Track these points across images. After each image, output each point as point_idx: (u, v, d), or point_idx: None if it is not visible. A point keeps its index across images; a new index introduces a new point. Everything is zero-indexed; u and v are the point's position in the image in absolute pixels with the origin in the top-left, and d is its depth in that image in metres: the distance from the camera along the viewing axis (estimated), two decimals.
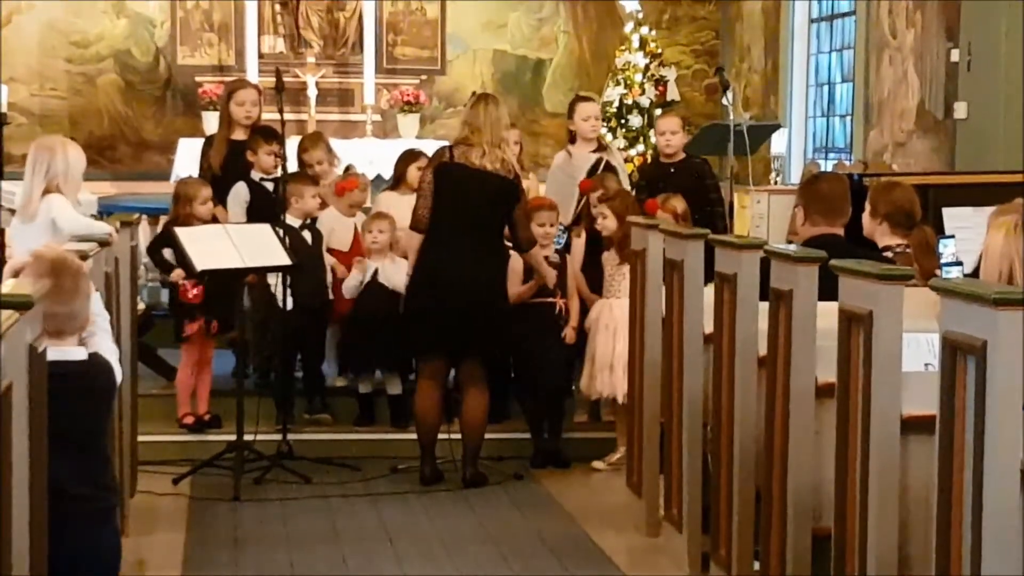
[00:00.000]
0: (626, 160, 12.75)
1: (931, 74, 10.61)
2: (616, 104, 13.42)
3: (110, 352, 4.41)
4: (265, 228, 7.78)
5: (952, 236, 5.59)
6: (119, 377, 4.43)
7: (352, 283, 8.30)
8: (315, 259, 8.30)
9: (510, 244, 7.72)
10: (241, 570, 6.26)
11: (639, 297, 6.90)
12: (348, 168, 9.18)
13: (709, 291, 5.87)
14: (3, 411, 3.18)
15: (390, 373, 8.35)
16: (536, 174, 9.42)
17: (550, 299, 8.05)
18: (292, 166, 8.71)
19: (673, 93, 13.59)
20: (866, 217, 6.25)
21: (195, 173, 8.97)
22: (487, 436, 8.12)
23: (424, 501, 7.31)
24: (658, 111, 12.82)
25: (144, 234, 9.90)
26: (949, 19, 10.30)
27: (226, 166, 8.73)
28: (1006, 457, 3.49)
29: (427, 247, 7.49)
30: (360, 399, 8.44)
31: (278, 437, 7.89)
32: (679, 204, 8.11)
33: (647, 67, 13.54)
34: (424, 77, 13.82)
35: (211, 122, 12.31)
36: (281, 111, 8.29)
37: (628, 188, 8.87)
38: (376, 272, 8.24)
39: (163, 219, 8.98)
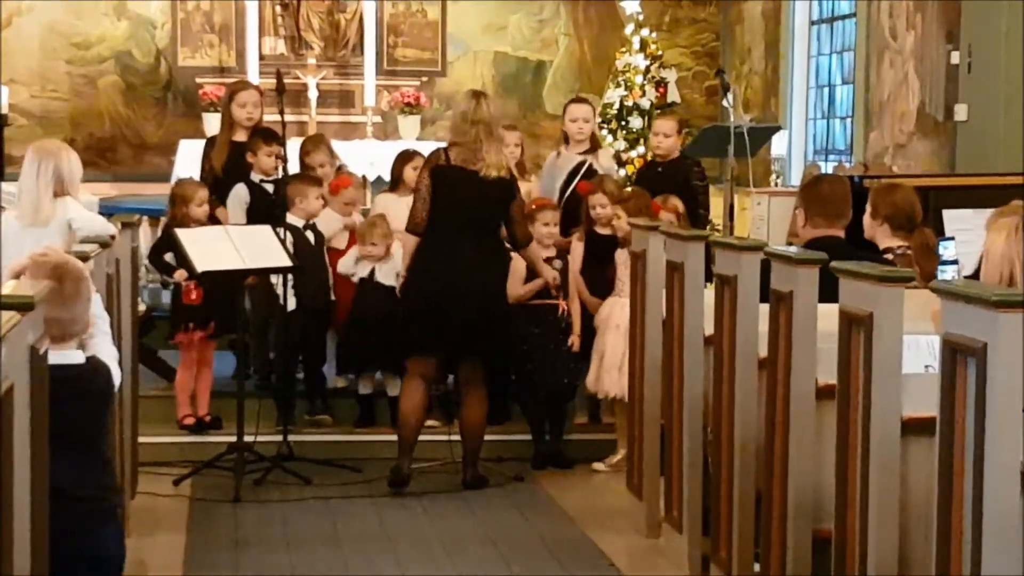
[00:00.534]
0: (627, 162, 12.76)
1: (931, 76, 10.62)
2: (617, 106, 13.41)
3: (109, 355, 4.41)
4: (266, 229, 7.79)
5: (952, 238, 5.60)
6: (117, 379, 4.44)
7: (348, 260, 8.31)
8: (317, 260, 8.31)
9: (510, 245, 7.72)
10: (241, 571, 6.26)
11: (640, 298, 6.90)
12: (340, 168, 9.18)
13: (710, 293, 5.87)
14: (4, 412, 3.18)
15: (390, 374, 8.35)
16: (536, 176, 9.41)
17: (552, 301, 8.05)
18: (293, 168, 8.72)
19: (673, 95, 13.59)
20: (867, 219, 6.26)
21: (196, 175, 8.97)
22: (487, 437, 8.13)
23: (424, 503, 7.32)
24: (658, 113, 12.81)
25: (145, 235, 9.91)
26: (949, 21, 10.30)
27: (228, 167, 8.74)
28: (1006, 459, 3.50)
29: (425, 249, 7.45)
30: (360, 400, 8.45)
31: (279, 438, 7.90)
32: (679, 204, 8.13)
33: (648, 69, 13.54)
34: (425, 79, 13.83)
35: (212, 123, 12.31)
36: (282, 112, 8.30)
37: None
38: (373, 271, 8.24)
39: (163, 220, 8.97)
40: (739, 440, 5.40)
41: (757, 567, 5.36)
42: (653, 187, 8.34)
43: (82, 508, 4.17)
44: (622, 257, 7.84)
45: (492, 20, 14.59)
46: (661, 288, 6.58)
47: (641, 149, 13.14)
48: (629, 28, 13.72)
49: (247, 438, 7.62)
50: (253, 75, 12.60)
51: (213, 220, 8.36)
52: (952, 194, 7.71)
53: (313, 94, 13.00)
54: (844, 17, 12.72)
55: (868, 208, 6.23)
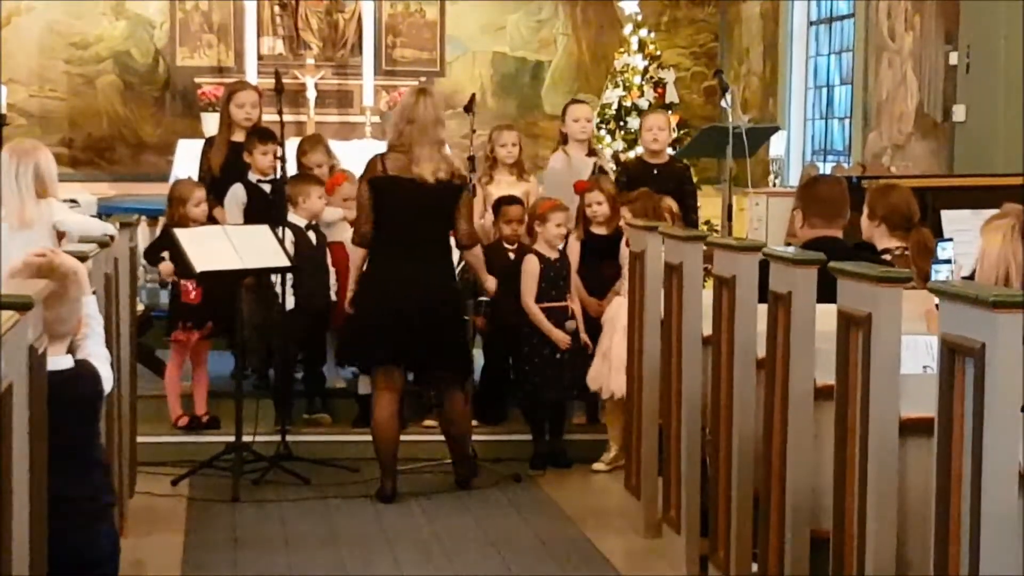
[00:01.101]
0: (625, 162, 12.75)
1: (930, 77, 10.62)
2: (615, 106, 13.42)
3: (101, 357, 4.40)
4: (264, 229, 7.79)
5: (951, 239, 5.60)
6: (108, 383, 4.43)
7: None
8: (318, 260, 8.31)
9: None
10: (240, 571, 6.26)
11: (638, 299, 6.90)
12: (332, 168, 9.18)
13: (708, 293, 5.88)
14: (3, 412, 3.18)
15: None
16: (536, 176, 9.40)
17: (556, 304, 8.03)
18: (291, 168, 8.72)
19: (672, 95, 13.59)
20: (864, 220, 6.27)
21: (195, 174, 8.97)
22: (486, 437, 8.16)
23: (423, 503, 7.32)
24: (645, 113, 12.78)
25: (143, 235, 9.92)
26: (948, 22, 10.30)
27: (226, 167, 8.74)
28: (1004, 459, 3.50)
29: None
30: (359, 400, 8.44)
31: (277, 438, 7.90)
32: (673, 204, 8.13)
33: (646, 69, 13.54)
34: (423, 79, 13.81)
35: (210, 123, 12.30)
36: (280, 112, 8.30)
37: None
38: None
39: (161, 221, 8.98)
40: (737, 440, 5.40)
41: (755, 567, 5.37)
42: (650, 189, 8.34)
43: (75, 509, 4.16)
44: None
45: (491, 20, 14.58)
46: (659, 288, 6.59)
47: (640, 149, 13.14)
48: (628, 28, 13.72)
49: (245, 438, 7.62)
50: (251, 75, 12.59)
51: (211, 220, 8.36)
52: (950, 195, 7.72)
53: (312, 94, 12.99)
54: (842, 18, 12.73)
55: (865, 209, 6.24)
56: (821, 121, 13.24)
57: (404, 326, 7.17)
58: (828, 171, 11.62)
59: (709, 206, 11.90)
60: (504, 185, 8.75)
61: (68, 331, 4.25)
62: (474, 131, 8.69)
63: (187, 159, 11.39)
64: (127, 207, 10.34)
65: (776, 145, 12.51)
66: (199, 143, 9.59)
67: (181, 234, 7.63)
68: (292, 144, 9.03)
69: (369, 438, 7.60)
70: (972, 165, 9.73)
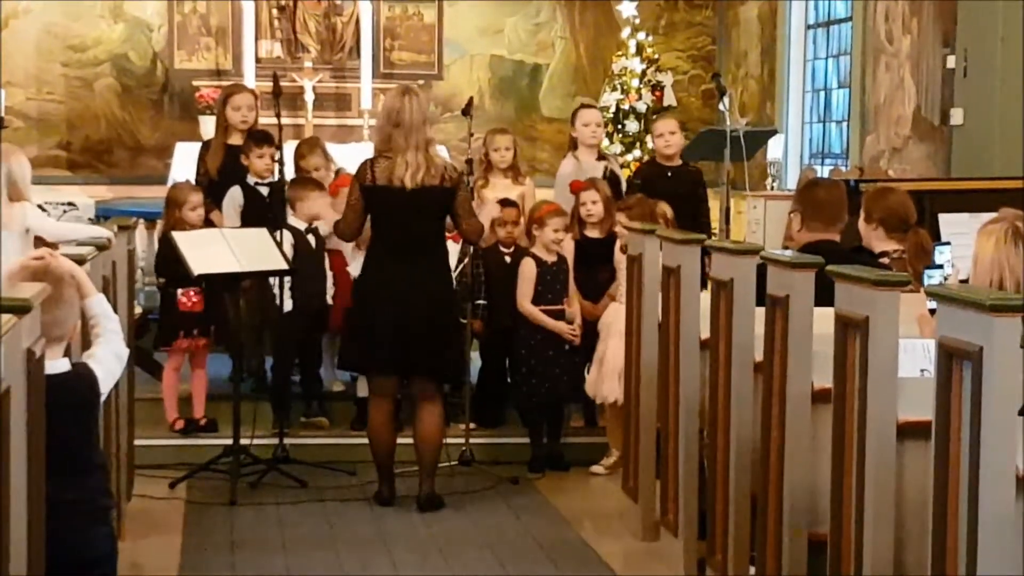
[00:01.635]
0: (623, 165, 12.76)
1: (927, 80, 10.63)
2: (613, 109, 13.42)
3: (113, 357, 4.40)
4: (262, 232, 7.79)
5: (948, 243, 5.60)
6: (113, 380, 4.43)
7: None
8: (316, 263, 8.31)
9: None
10: (237, 574, 6.26)
11: (636, 302, 6.91)
12: (339, 171, 9.19)
13: (705, 296, 5.88)
14: (1, 415, 3.18)
15: None
16: (533, 178, 9.40)
17: (555, 307, 8.04)
18: (289, 171, 8.72)
19: (670, 98, 13.60)
20: (861, 223, 6.28)
21: (192, 177, 8.98)
22: (483, 440, 8.16)
23: None
24: (655, 116, 12.81)
25: (141, 238, 9.92)
26: (945, 25, 10.31)
27: (223, 170, 8.74)
28: (1002, 463, 3.50)
29: (369, 267, 7.35)
30: (357, 403, 8.44)
31: (275, 441, 7.91)
32: (668, 210, 8.13)
33: (644, 72, 13.55)
34: (421, 82, 13.81)
35: (208, 126, 12.28)
36: (278, 115, 8.30)
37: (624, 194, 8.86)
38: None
39: (159, 225, 8.97)
40: (735, 443, 5.40)
41: (753, 570, 5.37)
42: (664, 191, 8.34)
43: (72, 511, 4.16)
44: (624, 263, 7.84)
45: (488, 23, 14.59)
46: (657, 292, 6.59)
47: (637, 152, 13.15)
48: (625, 32, 13.73)
49: (243, 441, 7.62)
50: (249, 78, 12.59)
51: (208, 223, 8.36)
52: (948, 198, 7.72)
53: (309, 97, 12.99)
54: (840, 21, 12.73)
55: (862, 213, 6.24)
56: (819, 124, 13.25)
57: (400, 333, 7.13)
58: (826, 174, 11.63)
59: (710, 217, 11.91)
60: (499, 188, 8.75)
61: (64, 334, 4.25)
62: (472, 134, 8.69)
63: (185, 162, 11.39)
64: (125, 210, 10.33)
65: (774, 148, 12.51)
66: (197, 146, 9.59)
67: (179, 237, 7.63)
68: (290, 147, 9.03)
69: (366, 441, 7.60)
70: (970, 168, 9.74)
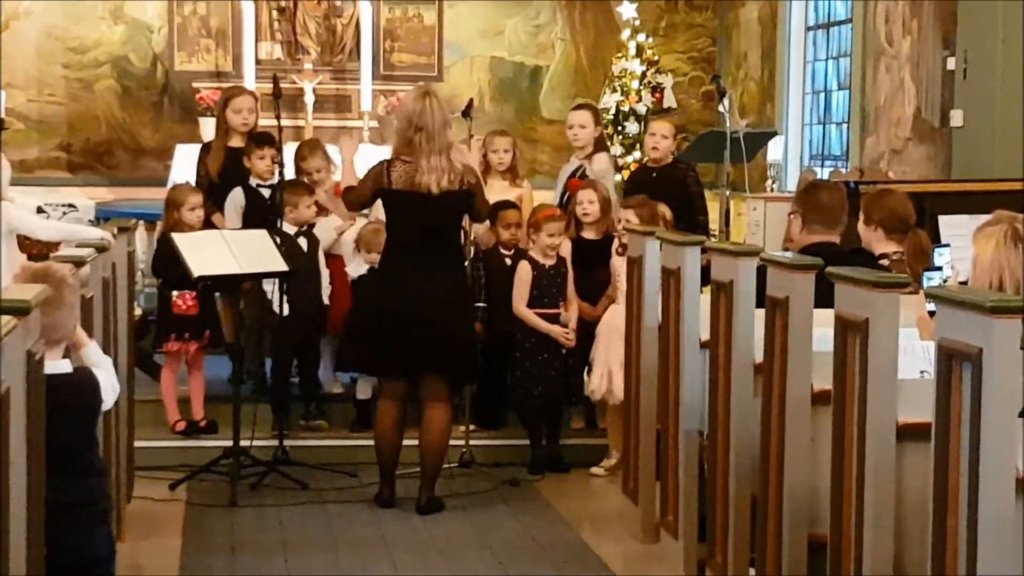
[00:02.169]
0: (623, 167, 12.76)
1: (927, 82, 10.62)
2: (613, 111, 13.42)
3: (110, 388, 4.43)
4: (262, 234, 7.79)
5: (947, 244, 5.60)
6: (114, 392, 4.44)
7: (358, 266, 8.33)
8: (310, 266, 8.30)
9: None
10: (238, 575, 6.26)
11: (636, 303, 6.91)
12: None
13: (705, 298, 5.88)
14: (1, 416, 3.18)
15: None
16: (532, 181, 9.40)
17: (550, 311, 8.04)
18: (290, 173, 8.73)
19: (670, 100, 13.59)
20: (861, 225, 6.28)
21: (192, 179, 8.98)
22: (484, 442, 8.16)
23: None
24: (654, 116, 12.82)
25: (141, 239, 9.92)
26: (946, 27, 10.31)
27: (224, 173, 8.75)
28: (1001, 464, 3.50)
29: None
30: (357, 405, 8.45)
31: (275, 443, 7.91)
32: (667, 211, 8.14)
33: (644, 74, 13.54)
34: (421, 83, 13.77)
35: (208, 128, 12.28)
36: (278, 117, 8.30)
37: (614, 196, 8.84)
38: (371, 270, 8.23)
39: (158, 227, 8.97)
40: (735, 445, 5.40)
41: (753, 572, 5.37)
42: (648, 193, 8.33)
43: (71, 513, 4.17)
44: (621, 264, 7.85)
45: (489, 25, 14.59)
46: (657, 293, 6.59)
47: (637, 154, 13.15)
48: (625, 33, 13.72)
49: (243, 442, 7.62)
50: (249, 80, 12.59)
51: (209, 225, 8.37)
52: (948, 200, 7.72)
53: (309, 99, 12.98)
54: (840, 23, 12.73)
55: (861, 215, 6.24)
56: (819, 126, 13.24)
57: (410, 336, 7.10)
58: (826, 176, 11.63)
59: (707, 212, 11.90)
60: (497, 190, 8.74)
61: (63, 337, 4.26)
62: (472, 136, 8.69)
63: (185, 164, 11.39)
64: (125, 212, 10.32)
65: (774, 150, 12.51)
66: (197, 148, 9.59)
67: (179, 239, 7.63)
68: (290, 149, 9.04)
69: (367, 442, 7.61)
70: (970, 170, 9.74)
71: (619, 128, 13.40)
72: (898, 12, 11.11)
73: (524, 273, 8.02)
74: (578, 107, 9.51)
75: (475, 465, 7.98)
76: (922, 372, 4.69)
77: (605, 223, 8.23)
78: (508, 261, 8.32)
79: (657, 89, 13.54)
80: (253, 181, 8.55)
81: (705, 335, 5.82)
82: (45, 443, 3.74)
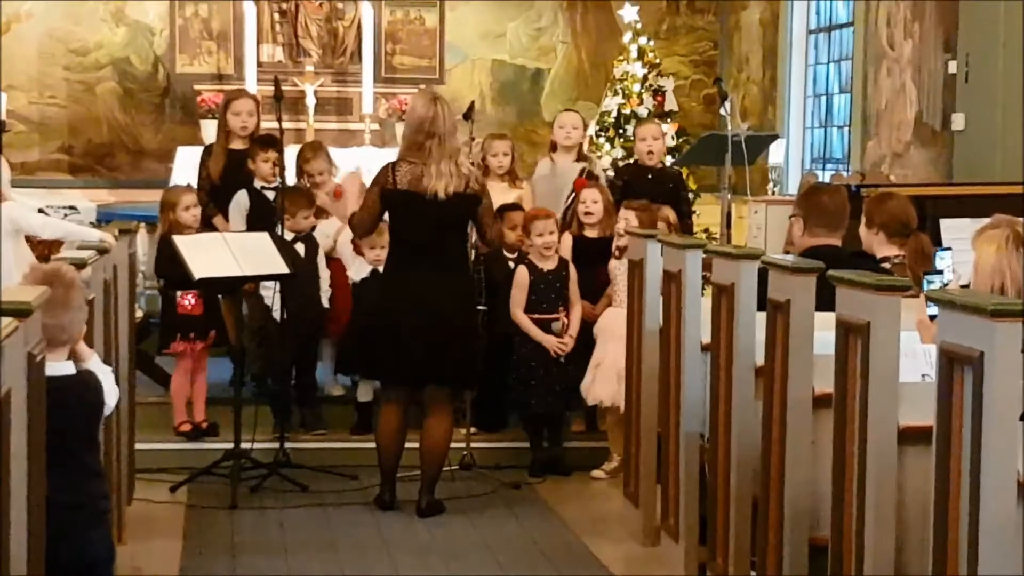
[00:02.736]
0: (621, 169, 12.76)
1: (929, 85, 10.63)
2: (614, 114, 13.43)
3: (112, 392, 4.44)
4: (263, 237, 7.79)
5: (949, 248, 5.60)
6: (113, 396, 4.45)
7: (360, 267, 8.32)
8: (309, 270, 8.29)
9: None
10: None
11: (637, 307, 6.90)
12: (357, 176, 9.20)
13: (706, 301, 5.88)
14: (2, 418, 3.18)
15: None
16: (531, 183, 9.41)
17: (547, 316, 8.03)
18: (291, 174, 8.74)
19: (671, 103, 13.60)
20: (862, 228, 6.28)
21: (194, 182, 8.99)
22: (484, 445, 8.15)
23: None
24: (640, 120, 12.81)
25: (142, 241, 9.92)
26: (947, 30, 10.32)
27: (225, 175, 8.75)
28: (1003, 468, 3.50)
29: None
30: (358, 407, 8.44)
31: (275, 445, 7.90)
32: (671, 214, 8.14)
33: (645, 77, 13.55)
34: (423, 86, 13.78)
35: (210, 130, 12.28)
36: (280, 120, 8.31)
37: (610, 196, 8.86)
38: (374, 272, 8.22)
39: (157, 231, 8.98)
40: (736, 448, 5.40)
41: (754, 574, 5.36)
42: (644, 194, 8.35)
43: (68, 514, 4.16)
44: (620, 267, 7.85)
45: (490, 28, 14.60)
46: (658, 296, 6.59)
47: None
48: (627, 36, 13.73)
49: (244, 445, 7.62)
50: (251, 82, 12.61)
51: (210, 227, 8.37)
52: (949, 203, 7.73)
53: (311, 101, 12.99)
54: (842, 26, 12.74)
55: (863, 218, 6.25)
56: (820, 129, 13.26)
57: (413, 344, 7.07)
58: (827, 179, 11.64)
59: (708, 214, 11.92)
60: (497, 192, 8.72)
61: (69, 339, 4.26)
62: (473, 138, 8.70)
63: (186, 166, 11.39)
64: (126, 214, 10.33)
65: (775, 153, 12.53)
66: (199, 150, 9.60)
67: (180, 241, 7.63)
68: (291, 151, 9.04)
69: (367, 445, 7.61)
70: (971, 174, 9.75)
71: (620, 131, 13.40)
72: (900, 15, 11.11)
73: (521, 278, 8.01)
74: (568, 110, 9.64)
75: (476, 468, 7.98)
76: (923, 375, 4.69)
77: (608, 223, 8.23)
78: (511, 264, 8.32)
79: (658, 92, 13.55)
80: (257, 183, 8.55)
81: (706, 338, 5.82)
82: (48, 443, 3.75)
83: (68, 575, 4.18)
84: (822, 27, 13.22)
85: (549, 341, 7.95)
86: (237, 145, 8.80)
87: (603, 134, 13.18)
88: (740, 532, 5.40)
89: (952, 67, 10.21)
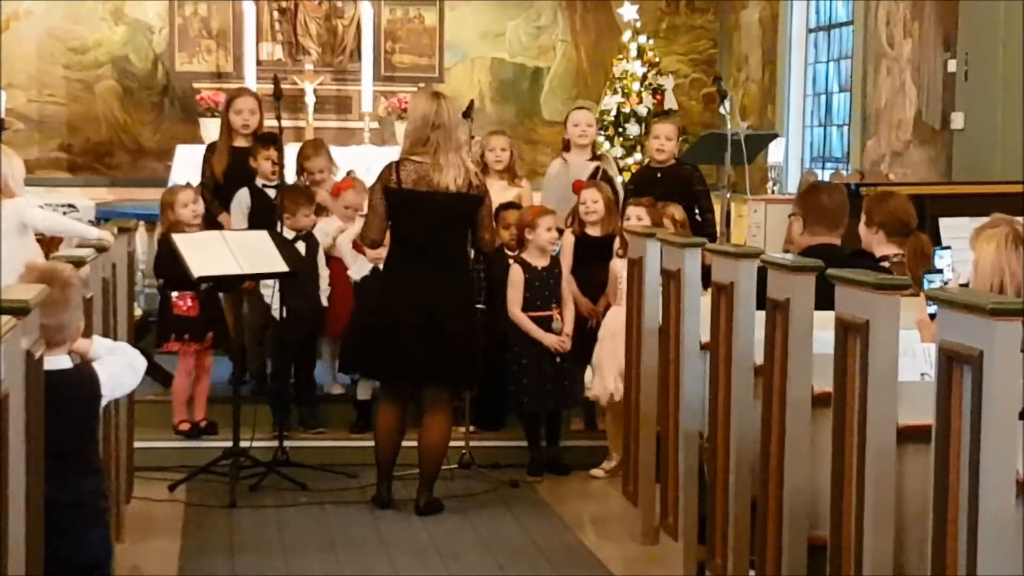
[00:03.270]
0: (623, 169, 12.76)
1: (928, 84, 10.63)
2: (614, 113, 13.43)
3: (124, 366, 4.44)
4: (263, 235, 7.79)
5: (948, 247, 5.60)
6: (116, 387, 4.44)
7: (361, 267, 8.31)
8: (309, 268, 8.29)
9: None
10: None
11: (636, 305, 6.90)
12: (349, 173, 9.20)
13: (706, 300, 5.87)
14: (0, 417, 3.18)
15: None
16: (532, 182, 9.40)
17: (543, 313, 8.03)
18: (292, 172, 8.74)
19: (671, 102, 13.61)
20: (862, 227, 6.28)
21: (195, 180, 8.99)
22: (483, 443, 8.15)
23: None
24: (655, 119, 12.82)
25: (141, 240, 9.92)
26: (947, 29, 10.31)
27: (229, 173, 8.77)
28: (1002, 467, 3.50)
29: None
30: (357, 406, 8.44)
31: (274, 444, 7.90)
32: (677, 212, 8.13)
33: (645, 76, 13.55)
34: (422, 85, 13.79)
35: (209, 129, 12.32)
36: (279, 118, 8.31)
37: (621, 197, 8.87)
38: (374, 271, 8.22)
39: (157, 230, 8.99)
40: (735, 447, 5.40)
41: (753, 574, 5.36)
42: (654, 194, 8.34)
43: (66, 513, 4.16)
44: (621, 265, 7.84)
45: (490, 27, 14.60)
46: (658, 295, 6.59)
47: (638, 156, 13.16)
48: (627, 35, 13.73)
49: (243, 443, 7.62)
50: (250, 80, 12.60)
51: (216, 225, 8.38)
52: (949, 202, 7.72)
53: (310, 100, 12.99)
54: (841, 25, 12.74)
55: (863, 217, 6.24)
56: (820, 128, 13.25)
57: (413, 344, 7.06)
58: (826, 178, 11.63)
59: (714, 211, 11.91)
60: (495, 190, 8.72)
61: (67, 338, 4.25)
62: (472, 137, 8.69)
63: (185, 164, 11.40)
64: (126, 212, 10.32)
65: (775, 152, 12.52)
66: (198, 148, 9.61)
67: (179, 240, 7.62)
68: (291, 150, 9.04)
69: (366, 443, 7.60)
70: (970, 173, 9.74)
71: (620, 130, 13.40)
72: (899, 14, 11.11)
73: (516, 276, 8.00)
74: (580, 108, 9.58)
75: (475, 466, 7.97)
76: (923, 374, 4.68)
77: (611, 222, 8.22)
78: (510, 262, 8.31)
79: (658, 91, 13.56)
80: (259, 181, 8.56)
81: (705, 337, 5.81)
82: (46, 439, 3.74)
83: (67, 575, 4.18)
84: (821, 26, 13.21)
85: (549, 339, 7.94)
86: (240, 143, 8.82)
87: (602, 132, 13.18)
88: (739, 531, 5.39)
89: (952, 66, 10.20)
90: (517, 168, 9.12)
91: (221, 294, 8.16)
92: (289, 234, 8.22)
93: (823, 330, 4.73)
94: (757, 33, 14.01)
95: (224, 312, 8.25)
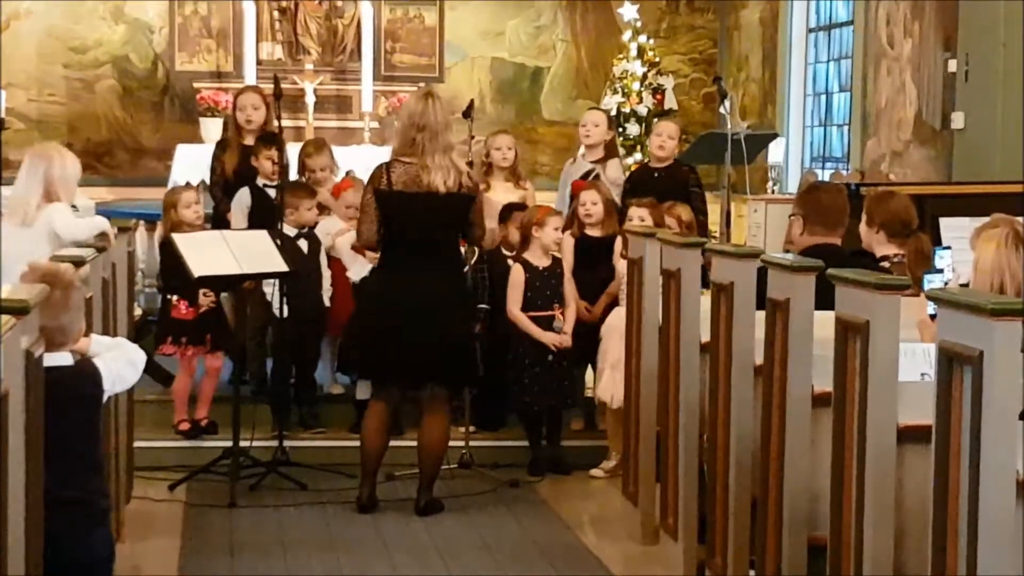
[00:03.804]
0: (624, 169, 12.75)
1: (928, 84, 10.63)
2: (614, 112, 13.41)
3: (125, 362, 4.43)
4: (262, 235, 7.79)
5: (948, 247, 5.60)
6: (116, 382, 4.43)
7: (360, 268, 8.31)
8: (311, 267, 8.29)
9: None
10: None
11: (636, 305, 6.90)
12: (349, 173, 9.21)
13: (706, 300, 5.87)
14: (0, 416, 3.18)
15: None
16: (533, 182, 9.41)
17: (543, 313, 8.02)
18: (293, 170, 8.74)
19: (671, 102, 13.60)
20: (862, 227, 6.28)
21: (195, 179, 9.00)
22: (484, 443, 8.15)
23: None
24: (656, 119, 12.82)
25: (141, 240, 9.92)
26: (947, 29, 10.31)
27: (239, 171, 8.78)
28: (1002, 467, 3.50)
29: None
30: (357, 406, 8.43)
31: (274, 444, 7.90)
32: (684, 212, 8.12)
33: (645, 76, 13.55)
34: (422, 84, 13.80)
35: (209, 128, 12.34)
36: (279, 118, 8.31)
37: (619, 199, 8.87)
38: (373, 271, 8.21)
39: (159, 227, 8.99)
40: (735, 447, 5.40)
41: (752, 574, 5.36)
42: (652, 194, 8.35)
43: (69, 511, 4.16)
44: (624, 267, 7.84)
45: (490, 26, 14.60)
46: (658, 295, 6.59)
47: (638, 156, 13.15)
48: (627, 35, 13.73)
49: (243, 443, 7.61)
50: (250, 80, 12.59)
51: (223, 223, 8.39)
52: (949, 202, 7.72)
53: (310, 99, 12.99)
54: (841, 25, 12.74)
55: (863, 217, 6.24)
56: (820, 128, 13.25)
57: (411, 345, 7.04)
58: (826, 178, 11.64)
59: (708, 212, 11.90)
60: (501, 191, 8.75)
61: (68, 340, 4.25)
62: (472, 137, 8.69)
63: (185, 164, 11.41)
64: (126, 212, 10.32)
65: (775, 152, 12.52)
66: (198, 148, 9.63)
67: (179, 239, 7.63)
68: (292, 149, 9.05)
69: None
70: (971, 173, 9.74)
71: (620, 130, 13.40)
72: (899, 14, 11.11)
73: (517, 276, 8.00)
74: (593, 108, 9.65)
75: (475, 466, 7.97)
76: (923, 374, 4.68)
77: (610, 223, 8.22)
78: (510, 262, 8.31)
79: (658, 91, 13.55)
80: (260, 181, 8.56)
81: (705, 337, 5.81)
82: (45, 436, 3.74)
83: (67, 574, 4.18)
84: (822, 26, 13.21)
85: (550, 338, 7.94)
86: (249, 141, 8.84)
87: None
88: (739, 531, 5.39)
89: (952, 66, 10.20)
90: (522, 171, 9.13)
91: (224, 294, 8.16)
92: (291, 231, 8.22)
93: (823, 330, 4.73)
94: (757, 33, 14.01)
95: (225, 316, 8.24)
